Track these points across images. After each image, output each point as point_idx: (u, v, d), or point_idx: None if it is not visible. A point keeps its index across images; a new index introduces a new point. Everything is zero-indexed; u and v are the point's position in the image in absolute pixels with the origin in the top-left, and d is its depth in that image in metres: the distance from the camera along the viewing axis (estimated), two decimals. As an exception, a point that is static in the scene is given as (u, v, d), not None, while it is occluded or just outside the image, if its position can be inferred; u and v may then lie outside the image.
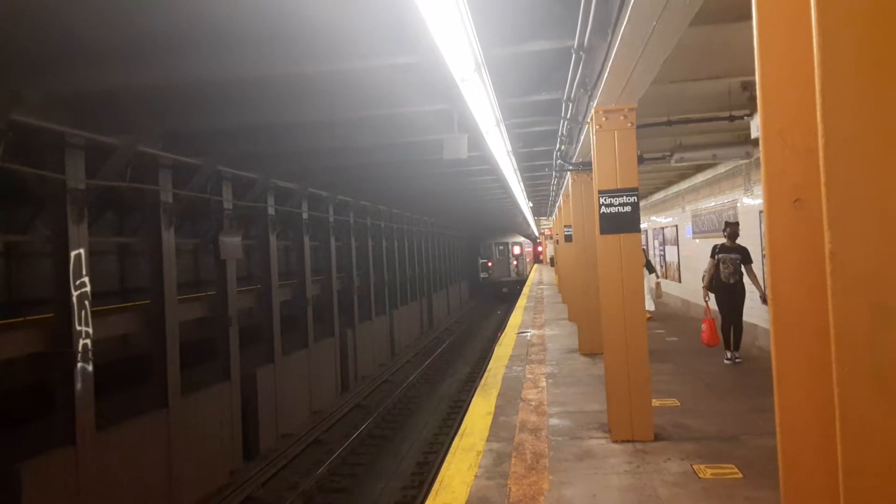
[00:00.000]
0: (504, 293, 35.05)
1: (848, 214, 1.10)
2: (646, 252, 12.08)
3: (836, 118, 1.11)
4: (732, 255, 8.89)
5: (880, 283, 1.09)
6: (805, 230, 1.29)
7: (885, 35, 1.09)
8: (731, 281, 8.90)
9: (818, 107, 1.11)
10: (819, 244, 1.16)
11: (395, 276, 22.82)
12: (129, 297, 11.56)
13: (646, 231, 21.30)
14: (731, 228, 9.13)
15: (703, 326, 8.84)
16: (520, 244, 39.18)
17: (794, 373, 1.34)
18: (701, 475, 5.02)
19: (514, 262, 38.22)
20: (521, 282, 34.41)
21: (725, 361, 8.90)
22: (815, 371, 1.23)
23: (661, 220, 19.26)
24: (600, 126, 5.70)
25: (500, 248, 38.45)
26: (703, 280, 9.42)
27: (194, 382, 10.03)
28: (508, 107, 7.14)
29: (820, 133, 1.11)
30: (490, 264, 38.23)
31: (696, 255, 14.64)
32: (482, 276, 38.62)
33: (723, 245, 9.07)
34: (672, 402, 7.23)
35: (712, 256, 9.11)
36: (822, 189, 1.11)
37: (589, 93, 5.70)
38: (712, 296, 9.11)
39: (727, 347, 8.96)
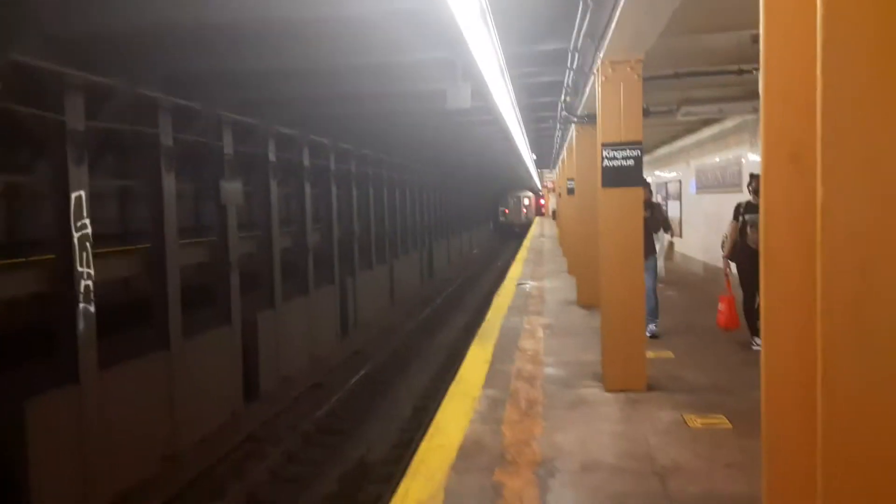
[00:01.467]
0: (516, 232, 47.00)
1: (841, 171, 1.12)
2: (662, 207, 10.67)
3: (836, 76, 1.11)
4: None
5: (869, 239, 1.10)
6: (800, 186, 1.30)
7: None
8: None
9: (818, 64, 1.11)
10: (813, 201, 1.18)
11: (396, 225, 22.84)
12: (129, 241, 11.61)
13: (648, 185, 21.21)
14: (757, 182, 7.58)
15: (721, 306, 7.44)
16: (529, 196, 51.50)
17: (782, 325, 1.38)
18: (691, 424, 5.16)
19: (524, 210, 51.63)
20: (529, 224, 46.99)
21: (754, 348, 7.26)
22: (803, 324, 1.26)
23: (665, 174, 19.18)
24: (606, 78, 5.64)
25: (514, 199, 51.15)
26: (722, 247, 7.98)
27: (196, 326, 10.16)
28: (514, 56, 7.03)
29: (819, 90, 1.12)
30: (507, 211, 51.70)
31: (699, 211, 14.64)
32: (500, 219, 52.17)
33: (748, 203, 7.56)
34: (667, 354, 7.35)
35: (735, 218, 7.64)
36: (818, 145, 1.12)
37: (596, 43, 5.62)
38: (733, 266, 7.70)
39: (753, 332, 7.38)
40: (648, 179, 22.52)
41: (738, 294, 7.56)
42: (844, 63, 1.10)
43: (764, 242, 1.43)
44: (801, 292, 1.30)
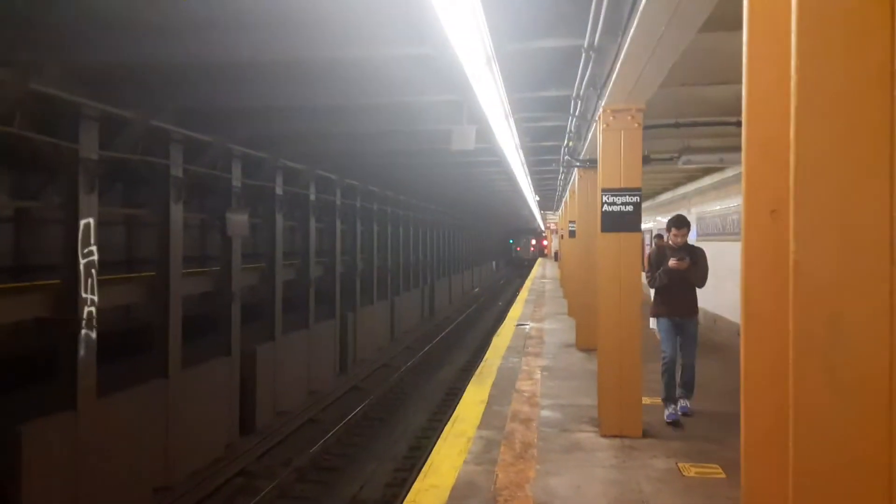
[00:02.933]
0: (525, 264, 57.11)
1: (813, 227, 1.19)
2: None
3: (809, 136, 1.19)
4: None
5: (839, 293, 1.17)
6: (778, 240, 1.37)
7: (856, 61, 1.17)
8: None
9: (792, 125, 1.20)
10: (791, 254, 1.25)
11: (399, 262, 22.92)
12: (134, 268, 11.70)
13: (650, 231, 21.32)
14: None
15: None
16: (536, 238, 63.80)
17: (759, 373, 1.43)
18: (685, 473, 5.13)
19: (532, 248, 64.23)
20: (535, 259, 57.40)
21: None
22: (779, 373, 1.31)
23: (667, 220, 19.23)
24: (607, 125, 5.77)
25: (524, 240, 64.00)
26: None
27: (195, 356, 10.17)
28: (518, 101, 7.20)
29: (792, 149, 1.20)
30: (518, 248, 64.58)
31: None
32: (513, 254, 64.78)
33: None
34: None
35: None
36: (791, 202, 1.20)
37: (598, 91, 5.77)
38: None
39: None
40: (649, 225, 22.24)
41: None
42: (816, 125, 1.18)
43: (743, 294, 1.49)
44: (779, 342, 1.35)
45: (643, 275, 6.82)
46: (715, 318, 12.55)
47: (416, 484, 5.03)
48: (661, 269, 6.49)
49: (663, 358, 6.57)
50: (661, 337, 6.70)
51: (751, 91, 1.52)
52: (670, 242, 6.65)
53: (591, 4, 4.17)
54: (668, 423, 6.39)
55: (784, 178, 1.33)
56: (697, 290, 6.61)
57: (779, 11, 1.28)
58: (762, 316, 1.42)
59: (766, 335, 1.41)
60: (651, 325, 6.86)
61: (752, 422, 1.48)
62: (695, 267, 6.39)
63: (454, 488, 4.83)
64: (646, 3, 3.35)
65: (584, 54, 4.97)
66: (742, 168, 1.53)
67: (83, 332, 7.49)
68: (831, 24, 1.19)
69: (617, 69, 4.59)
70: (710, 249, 9.75)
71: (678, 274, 6.38)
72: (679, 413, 6.49)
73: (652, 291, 6.85)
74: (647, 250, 21.79)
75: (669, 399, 6.55)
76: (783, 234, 1.32)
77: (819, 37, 1.19)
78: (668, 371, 6.53)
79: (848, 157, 1.19)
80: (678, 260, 6.36)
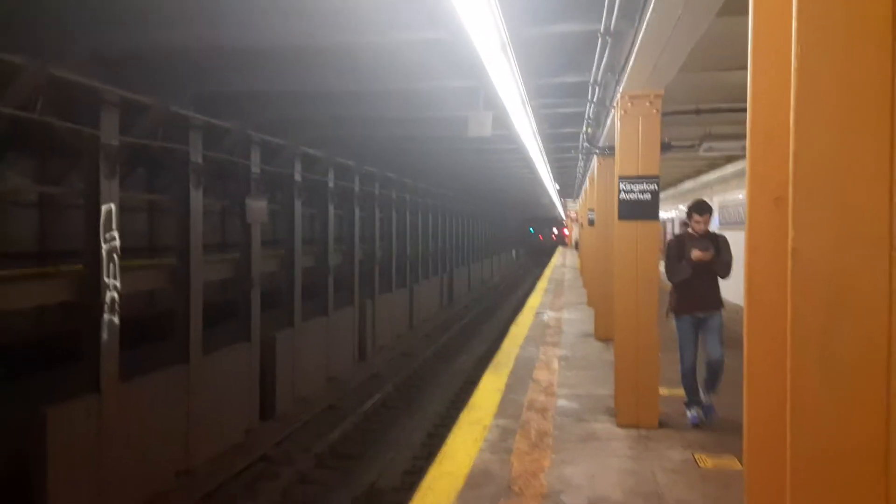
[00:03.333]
0: (547, 249, 59.95)
1: (812, 216, 1.16)
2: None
3: (808, 123, 1.16)
4: None
5: (836, 280, 1.15)
6: (782, 228, 1.34)
7: (856, 50, 1.14)
8: None
9: (792, 113, 1.17)
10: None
11: (417, 250, 22.95)
12: (155, 255, 11.86)
13: (672, 220, 21.10)
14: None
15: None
16: (556, 226, 66.92)
17: (761, 359, 1.41)
18: (701, 464, 5.10)
19: (553, 237, 68.06)
20: (555, 246, 61.00)
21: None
22: (781, 359, 1.29)
23: (689, 209, 19.03)
24: (625, 111, 5.70)
25: (545, 228, 67.55)
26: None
27: (215, 341, 10.29)
28: (536, 87, 7.13)
29: (792, 138, 1.17)
30: (541, 237, 67.92)
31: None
32: (536, 242, 67.59)
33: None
34: (680, 391, 7.26)
35: None
36: (790, 189, 1.17)
37: (616, 77, 5.69)
38: None
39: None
40: (671, 213, 21.88)
41: None
42: (815, 113, 1.16)
43: (747, 281, 1.47)
44: (782, 329, 1.33)
45: (661, 265, 6.38)
46: (738, 310, 12.41)
47: (431, 470, 5.06)
48: (683, 260, 5.93)
49: (683, 363, 6.13)
50: (679, 338, 6.14)
51: (755, 81, 1.49)
52: (690, 230, 6.06)
53: (607, -12, 4.10)
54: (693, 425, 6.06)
55: (787, 167, 1.30)
56: (721, 282, 6.08)
57: (782, 2, 1.25)
58: (765, 303, 1.40)
59: (768, 322, 1.38)
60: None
61: (753, 407, 1.46)
62: (718, 256, 5.84)
63: (469, 476, 4.85)
64: (662, -14, 3.29)
65: (600, 39, 4.90)
66: (746, 157, 1.51)
67: (105, 316, 7.61)
68: (831, 16, 1.17)
69: (634, 54, 4.52)
70: (734, 239, 9.58)
71: (701, 265, 5.83)
72: (702, 416, 6.04)
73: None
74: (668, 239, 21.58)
75: (692, 402, 6.16)
76: (787, 222, 1.29)
77: (819, 27, 1.16)
78: (688, 376, 6.13)
79: (847, 147, 1.16)
80: (702, 251, 5.80)
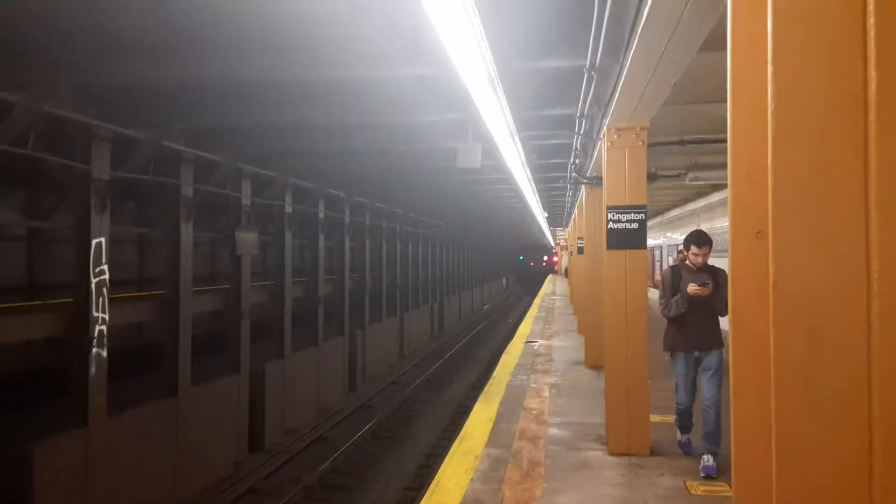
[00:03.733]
0: (537, 277, 59.92)
1: (791, 249, 1.22)
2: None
3: (784, 159, 1.23)
4: None
5: (816, 312, 1.20)
6: (763, 260, 1.40)
7: (832, 90, 1.21)
8: None
9: (769, 149, 1.24)
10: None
11: (408, 279, 22.96)
12: (143, 287, 11.81)
13: (660, 247, 21.30)
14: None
15: None
16: (546, 254, 68.02)
17: (747, 388, 1.46)
18: (692, 491, 5.10)
19: (543, 264, 69.28)
20: (546, 273, 61.69)
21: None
22: (766, 388, 1.34)
23: (677, 236, 19.25)
24: (612, 143, 5.81)
25: (538, 256, 69.32)
26: None
27: (204, 373, 10.22)
28: (523, 120, 7.26)
29: (770, 173, 1.24)
30: (532, 264, 69.55)
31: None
32: (528, 269, 69.42)
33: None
34: (671, 418, 7.28)
35: None
36: (769, 224, 1.23)
37: (602, 110, 5.81)
38: None
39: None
40: (659, 241, 22.05)
41: None
42: (793, 150, 1.22)
43: (732, 313, 1.53)
44: (765, 360, 1.38)
45: (651, 293, 6.32)
46: (724, 335, 12.49)
47: (422, 502, 5.03)
48: (679, 294, 5.56)
49: (678, 405, 5.77)
50: (674, 377, 5.75)
51: (734, 117, 1.56)
52: (688, 262, 5.65)
53: (591, 25, 4.23)
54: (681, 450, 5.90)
55: (768, 202, 1.36)
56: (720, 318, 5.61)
57: (758, 38, 1.32)
58: (749, 333, 1.45)
59: (753, 351, 1.43)
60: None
61: (741, 435, 1.50)
62: (717, 292, 5.38)
63: (460, 507, 4.82)
64: (644, 25, 3.39)
65: (586, 74, 5.02)
66: (728, 190, 1.57)
67: (94, 350, 7.57)
68: (805, 54, 1.24)
69: (619, 88, 4.63)
70: (720, 266, 9.62)
71: (698, 300, 5.44)
72: (704, 472, 5.33)
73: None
74: (658, 267, 21.70)
75: (684, 429, 5.92)
76: (768, 255, 1.35)
77: (794, 66, 1.23)
78: (683, 418, 5.85)
79: (824, 183, 1.23)
80: (700, 285, 5.40)
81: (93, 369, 7.55)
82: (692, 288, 5.46)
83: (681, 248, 6.16)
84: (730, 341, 1.53)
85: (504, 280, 62.31)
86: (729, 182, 1.55)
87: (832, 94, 1.20)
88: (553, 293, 33.17)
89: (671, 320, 5.70)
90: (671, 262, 8.52)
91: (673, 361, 5.78)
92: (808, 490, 1.20)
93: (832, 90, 1.20)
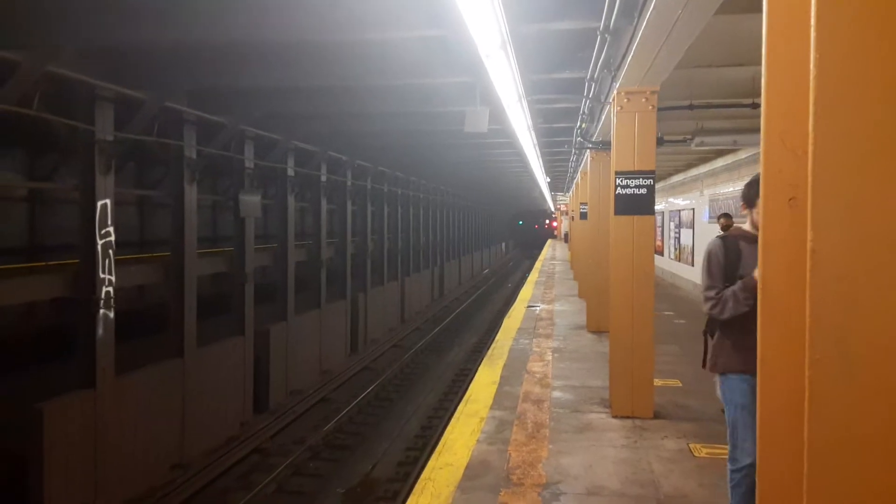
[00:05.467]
0: (538, 242, 61.55)
1: (831, 216, 1.22)
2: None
3: (826, 126, 1.22)
4: None
5: (854, 280, 1.21)
6: (796, 227, 1.40)
7: (875, 52, 1.20)
8: None
9: (811, 114, 1.23)
10: (807, 242, 1.28)
11: (409, 243, 22.98)
12: (146, 249, 11.83)
13: (662, 213, 21.26)
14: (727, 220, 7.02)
15: None
16: (548, 219, 69.50)
17: (775, 357, 1.47)
18: (696, 454, 5.19)
19: (545, 227, 70.20)
20: (547, 237, 63.63)
21: None
22: (795, 357, 1.35)
23: (679, 202, 19.22)
24: (622, 107, 5.76)
25: (538, 221, 70.51)
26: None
27: (209, 335, 10.31)
28: (531, 83, 7.18)
29: (811, 139, 1.23)
30: (536, 227, 70.75)
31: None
32: (529, 234, 70.36)
33: None
34: (674, 382, 7.38)
35: None
36: (809, 190, 1.23)
37: (612, 74, 5.74)
38: None
39: None
40: (703, 194, 21.91)
41: None
42: (836, 113, 1.21)
43: (762, 280, 1.53)
44: (795, 326, 1.39)
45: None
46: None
47: (430, 462, 5.12)
48: (740, 282, 3.43)
49: (735, 464, 3.47)
50: (728, 413, 3.58)
51: (769, 80, 1.54)
52: (747, 227, 3.60)
53: (607, -14, 4.16)
54: None
55: (802, 167, 1.36)
56: None
57: (796, 1, 1.30)
58: (779, 301, 1.46)
59: (782, 318, 1.45)
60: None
61: (767, 400, 1.52)
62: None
63: (468, 467, 4.91)
64: (663, -14, 3.34)
65: (599, 36, 4.95)
66: (760, 157, 1.57)
67: (101, 311, 7.61)
68: (850, 13, 1.22)
69: (632, 51, 4.58)
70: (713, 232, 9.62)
71: None
72: None
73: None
74: (659, 233, 21.61)
75: None
76: (801, 222, 1.36)
77: (839, 31, 1.21)
78: (745, 483, 3.42)
79: (865, 147, 1.22)
80: None
81: (100, 331, 7.61)
82: None
83: (718, 214, 4.69)
84: (759, 310, 1.54)
85: (503, 245, 62.61)
86: (762, 149, 1.54)
87: (877, 62, 1.19)
88: (553, 258, 33.25)
89: (726, 324, 3.57)
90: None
91: (726, 385, 3.65)
92: (841, 449, 1.22)
93: (877, 58, 1.19)
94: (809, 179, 1.23)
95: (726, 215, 6.29)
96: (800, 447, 1.29)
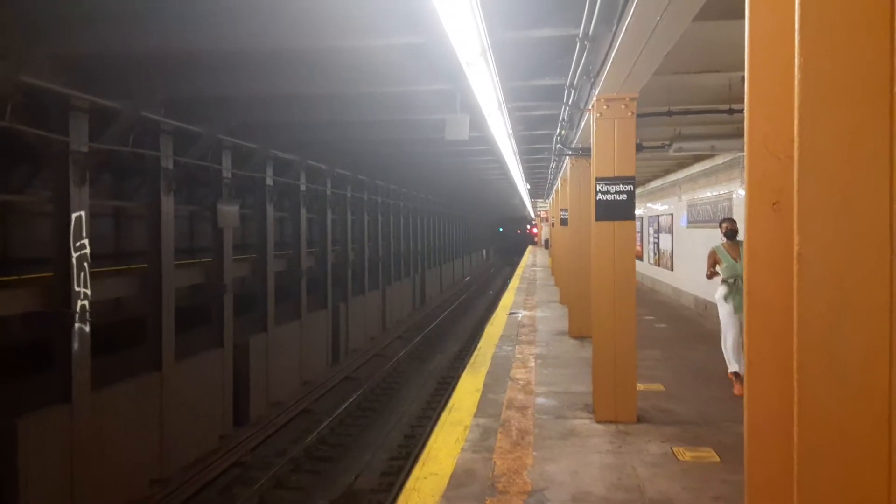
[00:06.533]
0: (518, 249, 62.34)
1: (816, 220, 1.22)
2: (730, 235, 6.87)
3: (812, 130, 1.23)
4: None
5: (840, 283, 1.21)
6: (781, 231, 1.41)
7: (860, 56, 1.21)
8: None
9: (796, 119, 1.23)
10: (792, 245, 1.28)
11: (390, 251, 22.92)
12: (123, 261, 11.66)
13: (641, 218, 21.43)
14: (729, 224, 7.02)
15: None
16: (530, 225, 69.59)
17: (762, 361, 1.47)
18: (680, 457, 5.21)
19: (527, 232, 71.18)
20: (527, 243, 64.35)
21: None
22: (782, 360, 1.35)
23: (658, 207, 19.38)
24: (601, 114, 5.80)
25: (518, 227, 72.62)
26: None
27: (188, 347, 10.16)
28: (511, 90, 7.20)
29: (796, 144, 1.23)
30: (519, 231, 72.78)
31: (690, 244, 14.80)
32: (510, 241, 71.98)
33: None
34: (657, 386, 7.41)
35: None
36: (795, 195, 1.23)
37: (591, 80, 5.78)
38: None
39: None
40: (681, 199, 22.19)
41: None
42: (822, 116, 1.22)
43: (747, 284, 1.53)
44: (781, 330, 1.39)
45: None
46: (706, 305, 12.66)
47: (414, 471, 5.08)
48: None
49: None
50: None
51: (752, 84, 1.55)
52: None
53: (586, -6, 4.18)
54: None
55: (785, 171, 1.36)
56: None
57: (780, 7, 1.31)
58: (765, 305, 1.46)
59: (769, 324, 1.45)
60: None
61: (755, 405, 1.52)
62: None
63: (453, 476, 4.88)
64: (641, -7, 3.36)
65: (578, 43, 4.98)
66: (744, 162, 1.57)
67: (77, 325, 7.47)
68: (834, 17, 1.22)
69: (611, 59, 4.60)
70: (702, 236, 9.69)
71: None
72: None
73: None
74: (639, 238, 21.84)
75: None
76: (785, 226, 1.36)
77: (823, 37, 1.22)
78: None
79: (851, 150, 1.22)
80: None
81: (76, 345, 7.46)
82: None
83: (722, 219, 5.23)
84: (745, 314, 1.54)
85: (484, 252, 63.09)
86: (745, 154, 1.54)
87: (861, 66, 1.20)
88: (534, 264, 33.36)
89: None
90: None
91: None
92: (830, 452, 1.22)
93: (862, 62, 1.19)
94: (795, 183, 1.23)
95: (730, 220, 6.43)
96: (789, 449, 1.29)
